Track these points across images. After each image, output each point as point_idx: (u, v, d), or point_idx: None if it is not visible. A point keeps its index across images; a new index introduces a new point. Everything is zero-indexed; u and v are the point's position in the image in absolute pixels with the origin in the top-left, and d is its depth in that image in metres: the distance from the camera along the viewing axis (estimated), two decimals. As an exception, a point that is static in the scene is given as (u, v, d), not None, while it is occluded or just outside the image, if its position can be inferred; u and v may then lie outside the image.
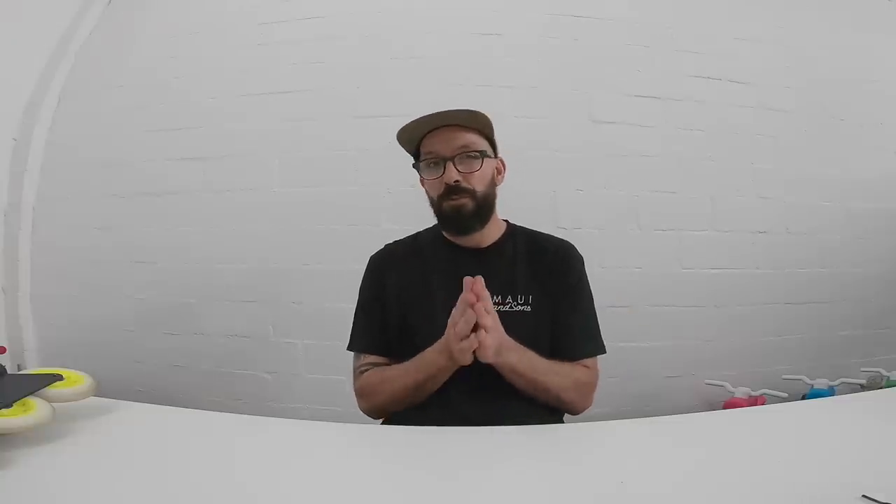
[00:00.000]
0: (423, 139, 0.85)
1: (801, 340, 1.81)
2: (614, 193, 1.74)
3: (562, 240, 0.91)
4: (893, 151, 1.94)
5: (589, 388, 0.83)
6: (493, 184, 0.87)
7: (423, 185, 0.90)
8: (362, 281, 0.92)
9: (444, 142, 0.82)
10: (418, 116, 0.83)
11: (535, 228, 0.95)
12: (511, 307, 0.81)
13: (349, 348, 0.89)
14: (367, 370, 0.85)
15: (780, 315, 1.80)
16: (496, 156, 0.90)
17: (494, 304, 0.80)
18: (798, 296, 1.82)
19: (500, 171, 0.90)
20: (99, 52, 2.04)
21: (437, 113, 0.82)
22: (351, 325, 0.90)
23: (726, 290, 1.76)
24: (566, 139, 1.74)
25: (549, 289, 0.84)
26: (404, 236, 0.98)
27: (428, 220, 0.96)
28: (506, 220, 0.94)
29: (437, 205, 0.85)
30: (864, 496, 0.43)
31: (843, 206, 1.87)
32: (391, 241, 0.96)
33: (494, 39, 1.79)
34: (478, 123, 0.84)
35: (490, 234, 0.89)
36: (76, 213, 1.92)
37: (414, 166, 0.88)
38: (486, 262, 0.86)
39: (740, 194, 1.80)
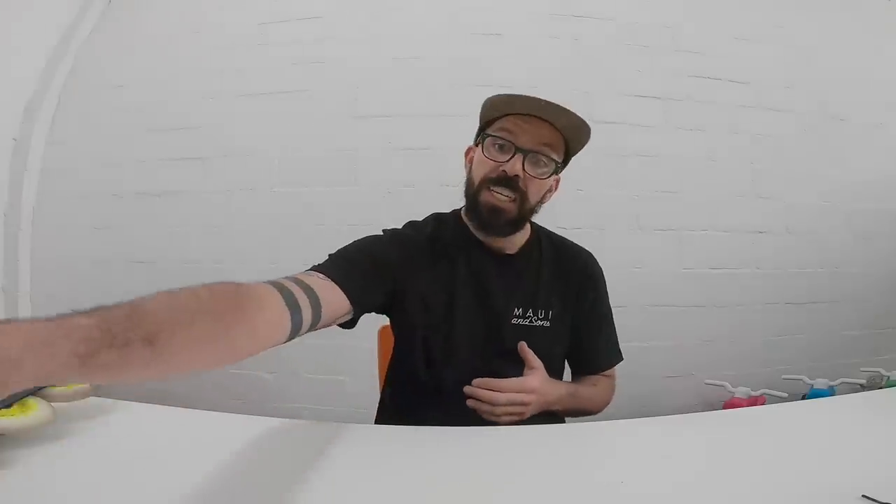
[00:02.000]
0: (507, 115, 0.73)
1: (801, 340, 1.82)
2: (614, 193, 1.74)
3: (587, 253, 0.89)
4: (893, 151, 1.94)
5: (612, 395, 0.86)
6: (542, 199, 0.79)
7: (467, 157, 0.81)
8: (372, 239, 0.78)
9: (529, 131, 0.71)
10: (537, 97, 0.71)
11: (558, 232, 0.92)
12: (531, 322, 0.79)
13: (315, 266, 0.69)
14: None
15: (780, 315, 1.80)
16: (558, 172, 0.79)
17: (515, 317, 0.78)
18: (798, 296, 1.82)
19: (552, 189, 0.81)
20: (99, 52, 2.04)
21: (551, 103, 0.70)
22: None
23: (726, 290, 1.76)
24: (566, 139, 1.74)
25: (572, 304, 0.83)
26: (424, 220, 0.87)
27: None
28: (530, 221, 0.84)
29: (476, 188, 0.75)
30: (864, 496, 0.43)
31: (843, 206, 1.87)
32: (412, 221, 0.85)
33: (494, 39, 1.79)
34: (576, 136, 0.74)
35: (517, 241, 0.83)
36: (76, 213, 1.92)
37: (484, 135, 0.76)
38: (512, 272, 0.81)
39: (740, 194, 1.80)
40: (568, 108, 0.71)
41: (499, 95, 0.73)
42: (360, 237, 0.78)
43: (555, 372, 0.81)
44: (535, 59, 1.78)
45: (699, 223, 1.76)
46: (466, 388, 0.68)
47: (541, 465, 0.56)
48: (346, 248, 0.75)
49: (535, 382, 0.70)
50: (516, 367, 0.73)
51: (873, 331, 1.89)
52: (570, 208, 1.71)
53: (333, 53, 1.81)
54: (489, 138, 0.74)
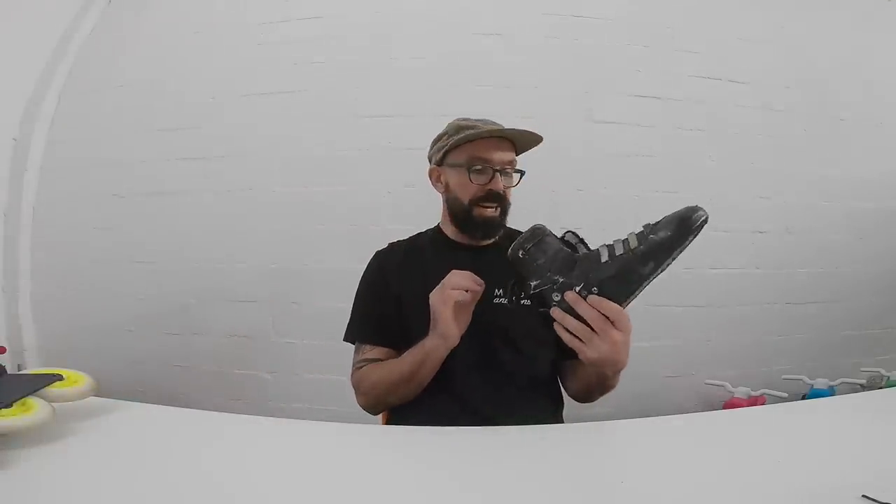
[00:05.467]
0: (472, 142, 0.85)
1: (801, 340, 1.82)
2: (614, 193, 1.74)
3: None
4: (893, 151, 1.94)
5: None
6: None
7: (434, 178, 0.92)
8: (363, 274, 0.93)
9: (498, 153, 0.85)
10: (492, 124, 0.86)
11: None
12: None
13: (346, 338, 0.90)
14: (364, 366, 0.86)
15: (780, 315, 1.80)
16: None
17: (495, 296, 0.82)
18: (798, 296, 1.82)
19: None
20: (99, 52, 2.04)
21: (512, 130, 0.84)
22: (349, 317, 0.91)
23: (726, 290, 1.76)
24: (566, 139, 1.74)
25: None
26: (407, 237, 0.99)
27: (427, 219, 0.97)
28: None
29: (466, 208, 0.86)
30: (864, 496, 0.43)
31: (843, 206, 1.87)
32: (395, 241, 0.98)
33: (494, 39, 1.79)
34: (528, 145, 0.87)
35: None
36: (76, 213, 1.92)
37: (442, 158, 0.88)
38: (485, 258, 0.87)
39: (740, 194, 1.80)
40: (525, 129, 0.84)
41: (465, 121, 0.87)
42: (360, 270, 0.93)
43: (551, 347, 0.83)
44: (535, 59, 1.78)
45: (699, 223, 1.76)
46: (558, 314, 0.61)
47: (541, 465, 0.56)
48: (358, 301, 0.91)
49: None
50: (507, 346, 0.81)
51: (873, 331, 1.89)
52: (570, 208, 1.71)
53: (333, 53, 1.81)
54: (470, 169, 0.85)
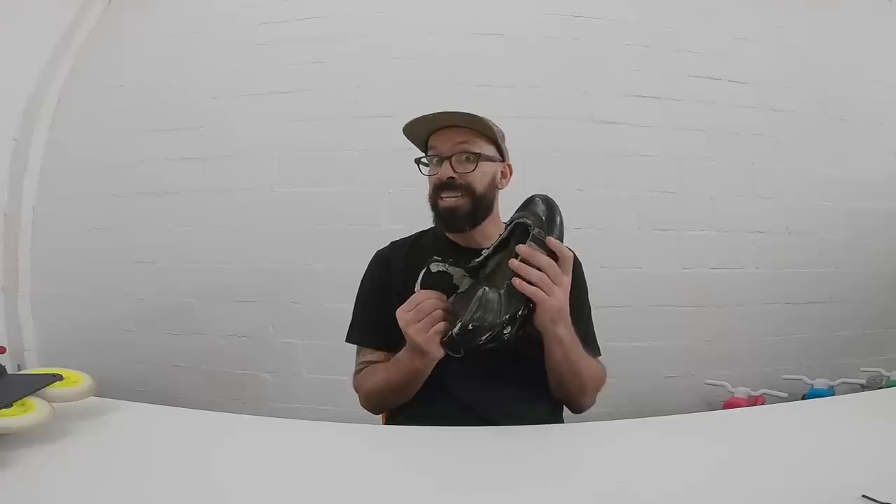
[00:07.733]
0: (430, 136, 0.88)
1: (801, 340, 1.82)
2: (614, 193, 1.74)
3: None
4: (893, 151, 1.94)
5: (604, 377, 0.86)
6: (492, 186, 0.88)
7: None
8: (364, 274, 0.93)
9: (445, 141, 0.85)
10: (424, 114, 0.85)
11: None
12: None
13: (347, 339, 0.90)
14: (363, 369, 0.86)
15: (780, 315, 1.80)
16: (503, 160, 0.90)
17: None
18: (798, 296, 1.82)
19: (505, 175, 0.91)
20: (99, 52, 2.04)
21: (440, 113, 0.84)
22: (350, 318, 0.91)
23: (726, 290, 1.76)
24: (566, 139, 1.74)
25: None
26: (407, 235, 0.98)
27: (428, 219, 0.97)
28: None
29: (432, 200, 0.88)
30: (864, 496, 0.43)
31: (843, 206, 1.87)
32: (397, 240, 0.97)
33: (494, 39, 1.79)
34: (478, 126, 0.85)
35: (491, 234, 0.89)
36: (76, 213, 1.92)
37: (416, 161, 0.89)
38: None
39: (740, 194, 1.80)
40: (458, 109, 0.83)
41: (408, 123, 0.86)
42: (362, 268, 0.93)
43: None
44: (535, 59, 1.78)
45: (699, 223, 1.76)
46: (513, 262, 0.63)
47: (541, 465, 0.56)
48: (358, 303, 0.91)
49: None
50: (503, 346, 0.75)
51: (873, 331, 1.88)
52: (569, 208, 1.70)
53: (333, 53, 1.81)
54: (425, 159, 0.88)
